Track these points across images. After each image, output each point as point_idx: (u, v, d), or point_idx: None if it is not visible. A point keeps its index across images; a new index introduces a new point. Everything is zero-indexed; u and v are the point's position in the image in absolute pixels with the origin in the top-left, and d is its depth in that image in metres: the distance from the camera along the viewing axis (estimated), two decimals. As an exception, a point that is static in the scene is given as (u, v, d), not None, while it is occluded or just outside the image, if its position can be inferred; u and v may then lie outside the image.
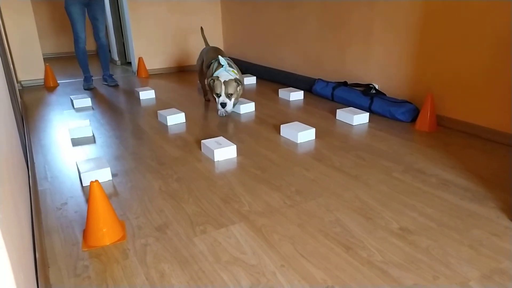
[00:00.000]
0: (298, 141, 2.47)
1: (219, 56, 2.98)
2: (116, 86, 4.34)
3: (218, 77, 2.76)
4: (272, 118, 3.01)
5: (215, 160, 2.19)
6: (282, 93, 3.63)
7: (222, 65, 2.88)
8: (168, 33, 5.07)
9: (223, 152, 2.22)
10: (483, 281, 1.23)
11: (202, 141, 2.33)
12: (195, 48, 5.30)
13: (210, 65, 3.12)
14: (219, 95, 2.76)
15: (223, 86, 2.74)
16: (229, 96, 2.75)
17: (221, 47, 5.51)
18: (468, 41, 2.47)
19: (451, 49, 2.58)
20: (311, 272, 1.29)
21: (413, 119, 2.83)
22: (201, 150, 2.35)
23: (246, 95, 3.77)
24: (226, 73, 2.82)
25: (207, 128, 2.79)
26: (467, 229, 1.51)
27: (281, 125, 2.60)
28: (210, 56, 3.22)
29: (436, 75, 2.73)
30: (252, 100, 3.46)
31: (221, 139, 2.35)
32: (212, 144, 2.27)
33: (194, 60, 5.33)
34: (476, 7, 2.37)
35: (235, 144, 2.33)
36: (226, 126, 2.84)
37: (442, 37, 2.62)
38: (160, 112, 3.01)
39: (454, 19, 2.52)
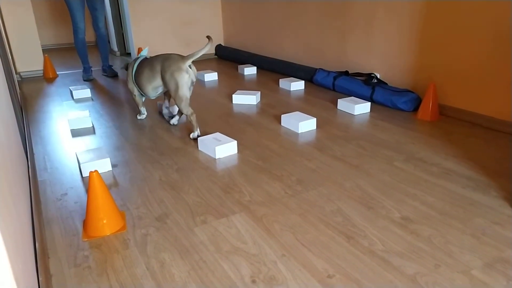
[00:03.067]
0: (299, 131, 2.45)
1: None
2: (115, 77, 4.31)
3: None
4: (273, 108, 2.99)
5: (216, 157, 2.11)
6: (283, 83, 3.61)
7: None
8: (167, 23, 5.02)
9: (224, 148, 2.13)
10: (486, 270, 1.23)
11: (199, 138, 2.22)
12: (195, 38, 5.25)
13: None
14: None
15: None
16: None
17: (221, 37, 5.46)
18: (470, 30, 2.44)
19: (453, 38, 2.55)
20: (312, 262, 1.29)
21: (415, 109, 2.80)
22: (198, 148, 2.23)
23: (247, 85, 3.75)
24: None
25: (207, 119, 2.78)
26: (469, 218, 1.50)
27: (282, 115, 2.59)
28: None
29: (438, 64, 2.70)
30: (252, 90, 3.44)
31: (218, 135, 2.24)
32: (211, 141, 2.16)
33: (194, 50, 5.28)
34: (480, -6, 2.34)
35: (234, 135, 2.32)
36: (226, 116, 2.82)
37: (444, 26, 2.59)
38: (160, 102, 2.99)
39: (456, 8, 2.49)
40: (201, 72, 4.08)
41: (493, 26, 2.31)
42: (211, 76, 4.02)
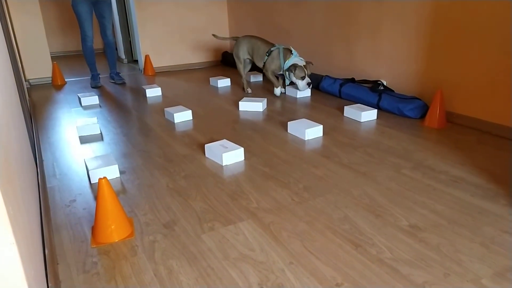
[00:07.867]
0: (306, 138, 2.46)
1: (281, 46, 3.47)
2: (123, 84, 4.35)
3: (296, 64, 3.31)
4: (279, 115, 2.99)
5: (223, 164, 2.12)
6: (289, 90, 3.62)
7: (292, 54, 3.37)
8: (174, 30, 5.07)
9: (231, 155, 2.13)
10: (496, 279, 1.22)
11: (206, 145, 2.23)
12: (201, 46, 5.29)
13: (268, 54, 3.46)
14: (303, 78, 3.32)
15: (306, 70, 3.31)
16: (309, 76, 3.37)
17: (227, 44, 5.50)
18: (478, 36, 2.44)
19: (460, 45, 2.55)
20: (320, 269, 1.28)
21: (422, 116, 2.80)
22: (205, 155, 2.24)
23: (253, 92, 3.76)
24: (298, 59, 3.34)
25: (213, 126, 2.79)
26: (478, 227, 1.49)
27: (289, 122, 2.59)
28: (260, 45, 3.55)
29: (445, 71, 2.70)
30: (258, 97, 3.45)
31: (225, 142, 2.25)
32: (218, 148, 2.16)
33: (200, 57, 5.32)
34: (487, 2, 2.34)
35: (241, 142, 2.32)
36: (233, 123, 2.83)
37: (452, 33, 2.59)
38: (167, 109, 3.01)
39: (463, 14, 2.49)
40: (214, 78, 4.13)
41: (502, 31, 2.31)
42: (223, 82, 4.07)
